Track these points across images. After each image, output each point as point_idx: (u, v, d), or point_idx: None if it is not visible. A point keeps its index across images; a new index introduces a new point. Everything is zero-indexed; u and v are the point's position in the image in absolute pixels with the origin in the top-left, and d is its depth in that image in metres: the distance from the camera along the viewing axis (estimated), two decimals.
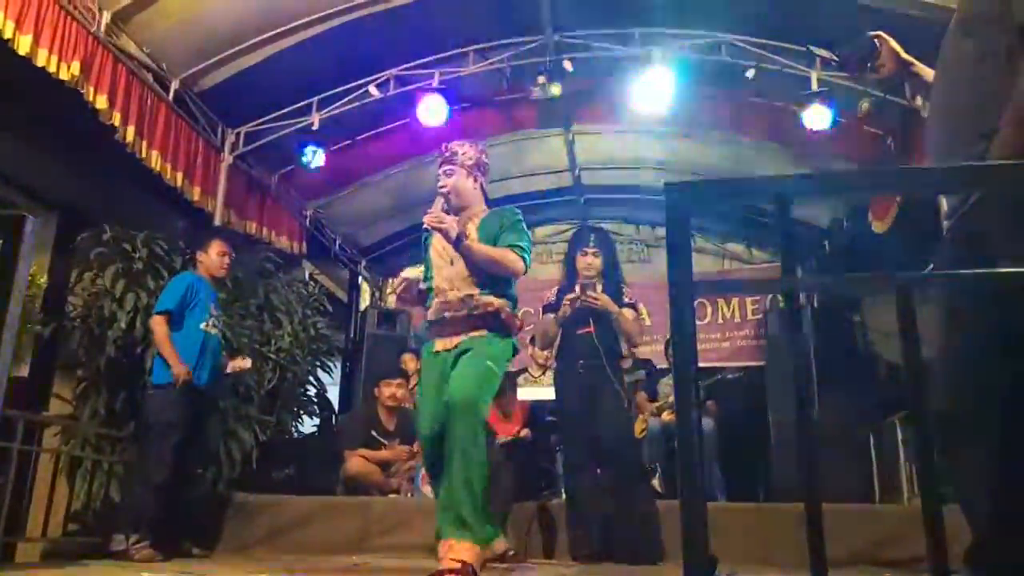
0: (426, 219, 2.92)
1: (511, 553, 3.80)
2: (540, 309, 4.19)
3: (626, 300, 3.93)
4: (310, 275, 7.40)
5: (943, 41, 1.99)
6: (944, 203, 2.40)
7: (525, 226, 3.10)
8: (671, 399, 5.70)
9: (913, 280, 1.09)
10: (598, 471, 3.90)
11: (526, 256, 2.99)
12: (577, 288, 3.86)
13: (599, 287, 3.85)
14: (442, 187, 3.06)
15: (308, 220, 7.13)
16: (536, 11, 5.38)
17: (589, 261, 3.95)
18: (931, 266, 2.02)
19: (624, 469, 3.84)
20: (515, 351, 3.05)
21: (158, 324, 4.02)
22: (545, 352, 6.04)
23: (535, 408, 5.54)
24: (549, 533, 4.21)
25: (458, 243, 2.90)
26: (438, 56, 5.81)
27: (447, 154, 3.11)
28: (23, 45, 3.91)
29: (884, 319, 6.47)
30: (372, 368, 7.32)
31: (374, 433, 5.36)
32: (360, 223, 7.95)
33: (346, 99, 5.86)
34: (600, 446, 3.80)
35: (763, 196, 1.03)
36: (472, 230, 3.01)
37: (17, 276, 1.26)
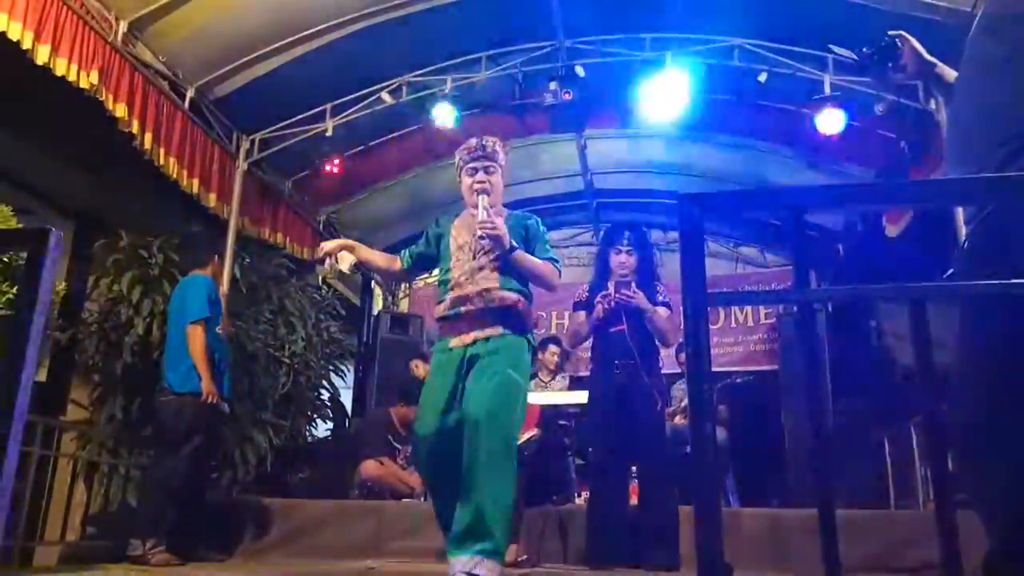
0: (479, 225, 2.78)
1: (523, 558, 3.81)
2: (571, 307, 4.14)
3: (660, 298, 3.84)
4: (323, 279, 7.45)
5: (968, 41, 1.98)
6: (961, 209, 2.39)
7: None
8: (683, 403, 5.69)
9: (925, 291, 1.09)
10: (626, 473, 3.86)
11: (560, 271, 2.99)
12: (611, 286, 3.78)
13: (633, 284, 3.76)
14: (481, 183, 2.92)
15: (322, 225, 7.17)
16: (548, 17, 5.40)
17: (623, 260, 3.87)
18: (950, 271, 2.01)
19: (652, 472, 3.79)
20: (532, 350, 2.97)
21: (197, 334, 3.93)
22: (556, 352, 6.05)
23: (547, 413, 5.53)
24: (562, 538, 4.21)
25: (511, 251, 2.81)
26: (450, 62, 5.83)
27: (487, 151, 2.97)
28: (42, 55, 3.96)
29: (900, 323, 6.42)
30: (385, 372, 7.36)
31: (390, 438, 5.39)
32: (373, 228, 7.98)
33: (360, 105, 5.89)
34: (631, 448, 3.75)
35: (776, 207, 1.04)
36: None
37: (42, 289, 1.28)
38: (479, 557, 2.53)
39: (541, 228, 3.06)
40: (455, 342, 2.84)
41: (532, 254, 2.92)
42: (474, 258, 2.88)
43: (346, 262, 2.99)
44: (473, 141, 3.02)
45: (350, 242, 3.08)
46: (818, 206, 1.07)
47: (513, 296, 2.83)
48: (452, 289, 2.89)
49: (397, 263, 3.15)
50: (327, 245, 3.03)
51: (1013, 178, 1.45)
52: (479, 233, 2.79)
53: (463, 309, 2.83)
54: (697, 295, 0.99)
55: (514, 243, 2.83)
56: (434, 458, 2.78)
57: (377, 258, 3.17)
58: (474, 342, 2.79)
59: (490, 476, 2.57)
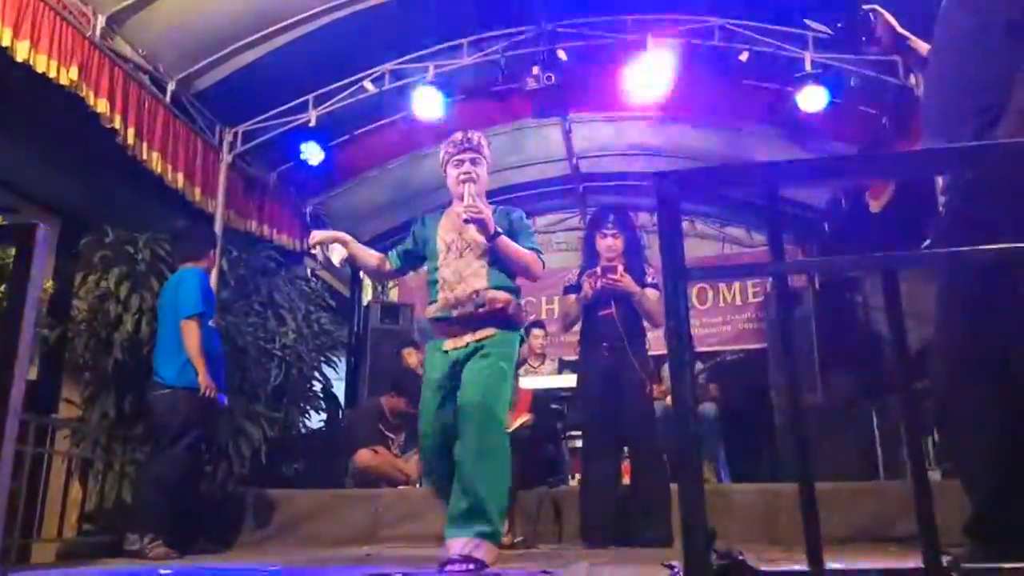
0: (463, 209, 2.85)
1: (519, 540, 3.86)
2: (561, 291, 4.19)
3: (649, 280, 3.87)
4: (311, 271, 7.44)
5: (939, 15, 2.00)
6: (939, 180, 2.42)
7: None
8: None
9: (898, 260, 1.12)
10: (616, 454, 3.91)
11: (543, 261, 3.06)
12: (598, 269, 3.82)
13: (620, 268, 3.80)
14: (467, 174, 2.98)
15: (308, 216, 7.15)
16: (529, 1, 5.39)
17: (609, 243, 3.89)
18: (927, 242, 2.05)
19: (642, 452, 3.84)
20: (522, 342, 3.08)
21: (192, 329, 3.92)
22: (540, 336, 6.09)
23: (539, 397, 5.58)
24: (556, 519, 4.26)
25: (494, 236, 2.88)
26: (432, 49, 5.81)
27: (473, 143, 3.04)
28: (21, 51, 3.93)
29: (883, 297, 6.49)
30: (376, 362, 7.38)
31: (381, 427, 5.42)
32: (360, 218, 7.97)
33: (342, 95, 5.87)
34: (620, 429, 3.80)
35: (752, 182, 1.06)
36: None
37: (30, 285, 1.30)
38: (477, 539, 2.62)
39: (525, 221, 3.14)
40: (449, 344, 2.93)
41: (515, 243, 2.97)
42: (461, 256, 2.95)
43: (337, 255, 3.04)
44: (458, 135, 3.08)
45: (343, 235, 3.14)
46: (793, 180, 1.09)
47: (503, 297, 2.91)
48: (442, 289, 2.95)
49: (387, 264, 3.21)
50: (318, 235, 3.08)
51: (988, 146, 1.48)
52: (464, 216, 2.85)
53: (455, 312, 2.91)
54: (676, 271, 1.02)
55: (498, 229, 2.89)
56: (434, 450, 2.92)
57: (369, 257, 3.23)
58: (467, 345, 2.89)
59: (485, 461, 2.68)
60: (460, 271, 2.94)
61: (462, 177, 2.98)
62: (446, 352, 2.93)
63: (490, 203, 3.12)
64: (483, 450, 2.70)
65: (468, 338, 2.89)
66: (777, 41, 5.39)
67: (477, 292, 2.89)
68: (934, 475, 4.95)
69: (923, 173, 1.04)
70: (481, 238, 2.90)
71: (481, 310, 2.88)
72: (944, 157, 1.08)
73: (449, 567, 2.56)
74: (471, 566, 2.55)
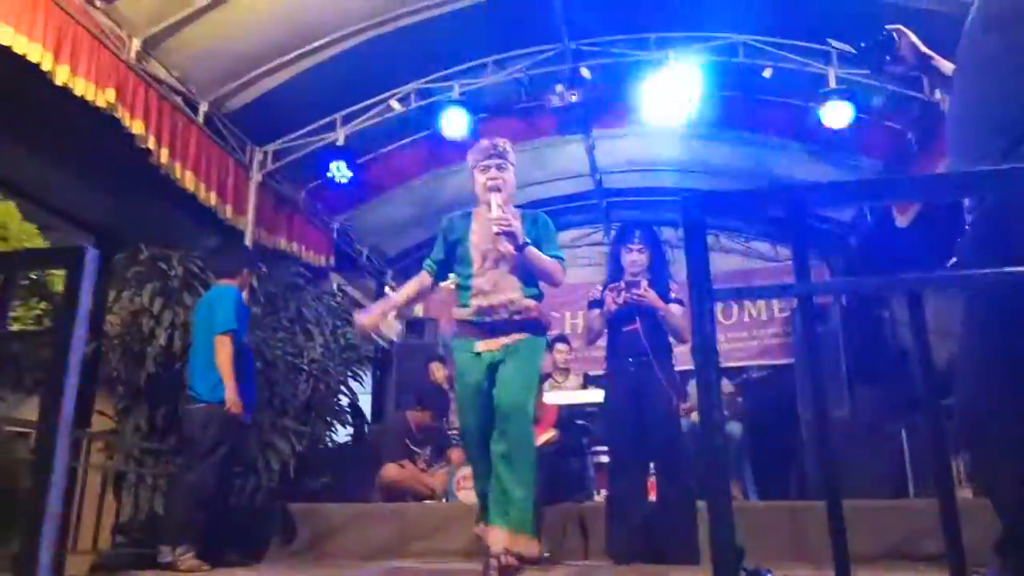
0: (494, 221, 2.94)
1: (546, 555, 3.86)
2: (585, 309, 4.23)
3: (673, 296, 3.88)
4: (338, 286, 7.53)
5: (964, 33, 2.01)
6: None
7: None
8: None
9: (923, 281, 1.14)
10: (642, 470, 3.91)
11: (565, 268, 3.20)
12: (622, 283, 3.81)
13: (644, 283, 3.80)
14: (495, 179, 3.06)
15: (335, 233, 7.26)
16: (552, 20, 5.45)
17: (634, 258, 3.89)
18: (953, 260, 2.05)
19: (669, 468, 3.83)
20: (548, 346, 3.21)
21: (225, 345, 3.99)
22: (564, 350, 6.11)
23: (564, 412, 5.59)
24: (583, 535, 4.25)
25: (523, 247, 2.98)
26: (457, 68, 5.90)
27: (499, 150, 3.13)
28: (61, 75, 4.06)
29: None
30: (402, 376, 7.44)
31: (407, 442, 5.46)
32: (386, 234, 8.08)
33: (370, 114, 5.97)
34: (647, 445, 3.79)
35: (777, 205, 1.09)
36: None
37: (80, 306, 1.36)
38: (520, 535, 2.84)
39: (551, 226, 3.24)
40: (481, 346, 3.06)
41: (540, 250, 3.08)
42: (496, 267, 3.06)
43: (388, 326, 3.18)
44: (485, 142, 3.19)
45: (380, 307, 3.26)
46: (818, 204, 1.11)
47: (534, 305, 3.08)
48: (476, 296, 3.06)
49: (427, 280, 3.28)
50: (366, 327, 3.19)
51: (1011, 170, 1.49)
52: (495, 230, 2.94)
53: (488, 319, 3.05)
54: (702, 292, 1.04)
55: (526, 239, 3.00)
56: (479, 447, 3.07)
57: (410, 293, 3.32)
58: (500, 348, 3.03)
59: (523, 455, 2.92)
60: (496, 281, 3.06)
61: (489, 184, 3.06)
62: (478, 354, 3.06)
63: (515, 209, 3.21)
64: (521, 445, 2.91)
65: (503, 341, 3.04)
66: (801, 57, 5.40)
67: (512, 301, 3.04)
68: (965, 493, 4.88)
69: (949, 196, 1.06)
70: (511, 248, 2.99)
71: (516, 317, 3.04)
72: (970, 180, 1.10)
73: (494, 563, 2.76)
74: (515, 562, 2.77)
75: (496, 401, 2.97)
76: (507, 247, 2.99)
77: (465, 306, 3.10)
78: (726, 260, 8.58)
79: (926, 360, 1.07)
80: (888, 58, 2.23)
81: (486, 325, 3.06)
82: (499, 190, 3.03)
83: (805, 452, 6.48)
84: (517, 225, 2.97)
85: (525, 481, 2.91)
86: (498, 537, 2.83)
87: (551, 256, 3.11)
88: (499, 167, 3.10)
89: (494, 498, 2.94)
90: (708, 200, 1.15)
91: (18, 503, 3.58)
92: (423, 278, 3.28)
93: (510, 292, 3.04)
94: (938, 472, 1.06)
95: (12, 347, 3.42)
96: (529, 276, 3.09)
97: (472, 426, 3.09)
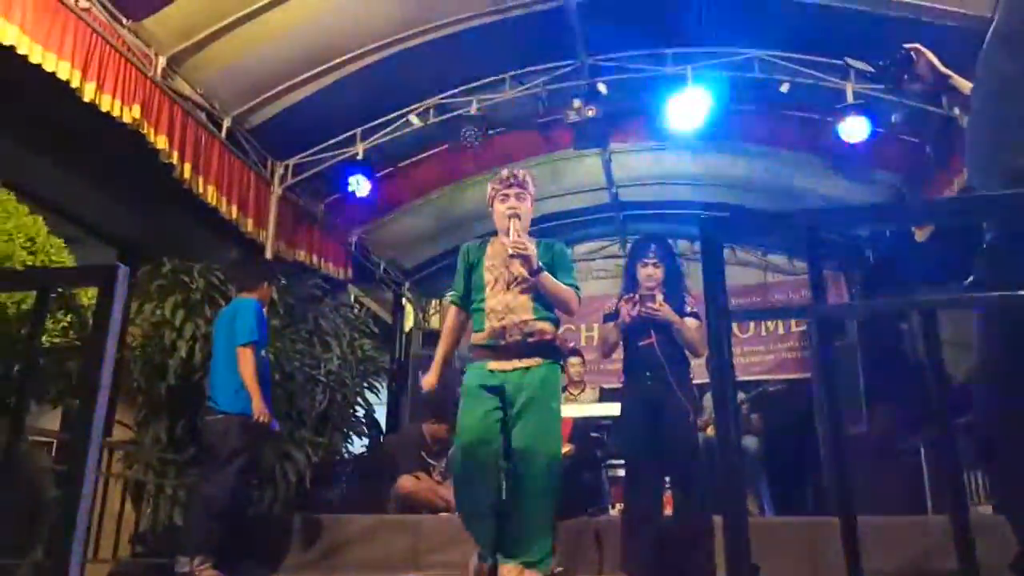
0: (510, 244, 3.00)
1: (559, 570, 3.86)
2: (601, 322, 4.23)
3: (688, 310, 3.85)
4: (355, 298, 7.59)
5: (980, 55, 2.03)
6: None
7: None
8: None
9: (940, 303, 1.16)
10: (658, 484, 3.90)
11: (579, 297, 3.22)
12: (636, 295, 3.79)
13: (659, 297, 3.79)
14: (513, 209, 3.12)
15: (353, 245, 7.33)
16: (570, 36, 5.50)
17: (649, 272, 3.87)
18: (970, 279, 2.05)
19: (685, 483, 3.82)
20: (563, 372, 3.26)
21: (247, 356, 4.03)
22: (578, 364, 6.13)
23: (578, 425, 5.59)
24: (597, 549, 4.25)
25: (538, 272, 3.02)
26: (476, 83, 5.96)
27: (520, 180, 3.21)
28: (88, 92, 4.16)
29: None
30: (418, 388, 7.47)
31: (422, 454, 5.49)
32: (403, 246, 8.14)
33: (389, 128, 6.04)
34: (663, 459, 3.79)
35: (792, 228, 1.12)
36: None
37: (112, 322, 1.41)
38: (531, 570, 2.79)
39: (567, 256, 3.30)
40: (494, 365, 3.06)
41: (555, 277, 3.12)
42: (508, 289, 3.10)
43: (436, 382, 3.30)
44: (505, 172, 3.26)
45: (436, 365, 3.32)
46: (834, 227, 1.14)
47: (549, 328, 3.10)
48: (489, 319, 3.10)
49: (458, 314, 3.33)
50: (433, 385, 3.30)
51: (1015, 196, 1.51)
52: (510, 251, 2.98)
53: (503, 341, 3.06)
54: (719, 312, 1.07)
55: (540, 265, 3.03)
56: (471, 464, 3.00)
57: (451, 337, 3.36)
58: (514, 370, 3.03)
59: (539, 498, 2.89)
60: (508, 303, 3.09)
61: (508, 212, 3.11)
62: (491, 372, 3.05)
63: (533, 234, 3.26)
64: (548, 488, 2.91)
65: (516, 363, 3.04)
66: (818, 72, 5.40)
67: (525, 322, 3.05)
68: (985, 510, 4.83)
69: (962, 220, 1.07)
70: (525, 272, 3.03)
71: (531, 340, 3.05)
72: (983, 204, 1.12)
73: None
74: None
75: (525, 443, 2.91)
76: (521, 270, 3.05)
77: (480, 330, 3.13)
78: (744, 273, 8.57)
79: (940, 377, 1.08)
80: (906, 76, 2.25)
81: (500, 347, 3.07)
82: (518, 217, 3.09)
83: (823, 467, 6.44)
84: (533, 250, 3.02)
85: (549, 519, 2.93)
86: (510, 572, 2.78)
87: (566, 284, 3.15)
88: (518, 196, 3.16)
89: (514, 534, 2.84)
90: (726, 224, 1.18)
91: (40, 512, 3.64)
92: (455, 313, 3.33)
93: (524, 314, 3.06)
94: (951, 490, 1.08)
95: (40, 359, 3.49)
96: (544, 302, 3.11)
97: (469, 443, 3.00)
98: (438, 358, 3.34)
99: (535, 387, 3.00)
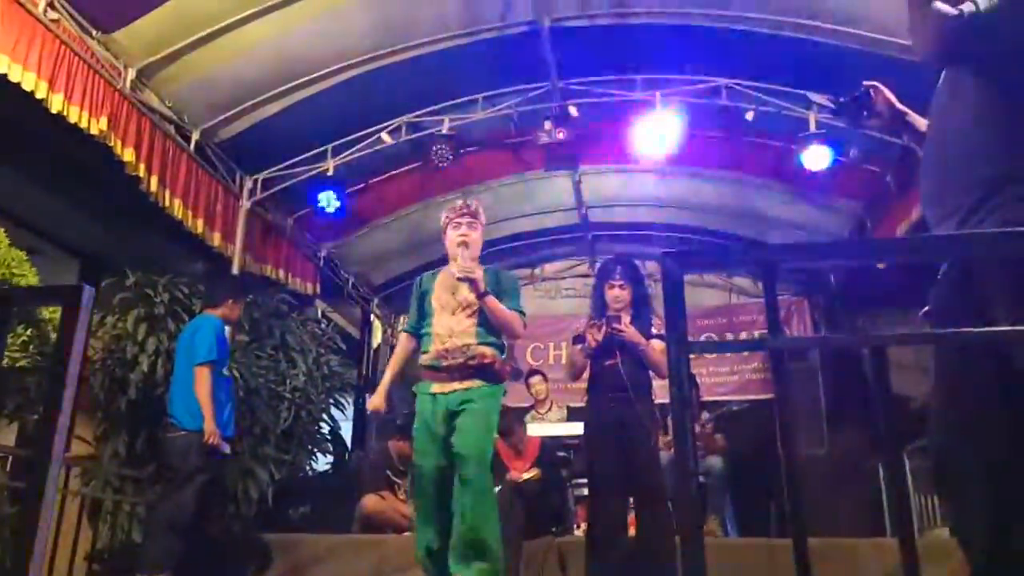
0: (457, 270, 3.17)
1: None
2: (570, 341, 4.30)
3: (655, 331, 3.92)
4: (323, 313, 7.54)
5: (935, 96, 2.11)
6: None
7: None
8: None
9: (892, 339, 1.21)
10: (622, 504, 3.93)
11: (524, 322, 3.38)
12: (602, 320, 3.86)
13: (625, 319, 3.86)
14: (464, 236, 3.30)
15: (322, 261, 7.29)
16: (542, 59, 5.58)
17: (616, 294, 3.95)
18: (926, 308, 2.12)
19: (648, 503, 3.86)
20: (504, 394, 3.36)
21: (203, 375, 4.03)
22: (538, 382, 6.18)
23: (546, 444, 5.61)
24: (562, 569, 4.26)
25: (484, 296, 3.16)
26: (448, 103, 6.00)
27: (472, 210, 3.38)
28: (56, 103, 4.11)
29: (894, 351, 6.53)
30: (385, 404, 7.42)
31: (389, 473, 5.46)
32: (372, 262, 8.12)
33: (360, 146, 6.05)
34: (626, 479, 3.82)
35: (750, 263, 1.16)
36: None
37: (75, 342, 1.41)
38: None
39: (514, 281, 3.48)
40: (437, 388, 3.21)
41: (501, 302, 3.25)
42: (453, 314, 3.25)
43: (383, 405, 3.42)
44: (459, 202, 3.45)
45: (382, 387, 3.49)
46: (791, 262, 1.18)
47: (490, 353, 3.21)
48: (435, 342, 3.24)
49: (409, 342, 3.48)
50: (378, 407, 3.48)
51: (969, 235, 1.57)
52: (458, 275, 3.16)
53: (445, 363, 3.19)
54: (679, 341, 1.10)
55: (487, 289, 3.18)
56: (429, 487, 3.16)
57: (399, 362, 3.53)
58: (452, 392, 3.16)
59: (480, 501, 3.01)
60: (452, 327, 3.23)
61: (458, 240, 3.30)
62: (434, 395, 3.20)
63: (500, 253, 3.39)
64: (483, 490, 3.03)
65: (456, 385, 3.18)
66: (783, 102, 5.54)
67: (468, 346, 3.18)
68: (943, 532, 4.94)
69: (921, 258, 1.12)
70: (472, 297, 3.19)
71: (471, 363, 3.17)
72: (929, 244, 1.17)
73: None
74: None
75: (455, 448, 3.07)
76: (468, 295, 3.20)
77: (426, 352, 3.27)
78: (710, 295, 8.68)
79: (888, 405, 1.13)
80: (865, 113, 2.33)
81: (443, 369, 3.19)
82: (467, 246, 3.27)
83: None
84: (480, 274, 3.17)
85: (493, 531, 2.99)
86: None
87: (511, 308, 3.28)
88: (470, 225, 3.34)
89: (459, 548, 2.99)
90: (686, 256, 1.21)
91: None
92: (406, 341, 3.49)
93: (467, 338, 3.19)
94: (898, 513, 1.12)
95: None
96: (489, 327, 3.24)
97: (427, 469, 3.15)
98: (385, 381, 3.50)
99: (473, 402, 3.13)
